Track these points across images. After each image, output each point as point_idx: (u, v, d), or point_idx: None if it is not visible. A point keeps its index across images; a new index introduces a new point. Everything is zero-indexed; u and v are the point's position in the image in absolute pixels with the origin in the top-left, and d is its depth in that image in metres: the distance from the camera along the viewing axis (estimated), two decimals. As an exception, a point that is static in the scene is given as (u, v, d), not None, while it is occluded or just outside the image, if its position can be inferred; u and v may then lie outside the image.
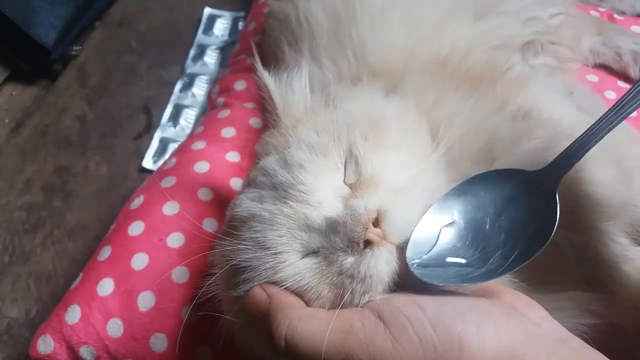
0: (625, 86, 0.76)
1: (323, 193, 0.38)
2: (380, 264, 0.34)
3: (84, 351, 0.56)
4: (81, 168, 0.94)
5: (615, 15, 0.87)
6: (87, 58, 1.12)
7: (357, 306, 0.34)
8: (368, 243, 0.35)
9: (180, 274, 0.58)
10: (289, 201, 0.38)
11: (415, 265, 0.34)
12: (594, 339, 0.35)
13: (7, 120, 1.03)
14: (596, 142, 0.34)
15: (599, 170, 0.44)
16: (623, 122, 0.58)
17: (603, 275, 0.42)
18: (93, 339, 0.56)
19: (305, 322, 0.32)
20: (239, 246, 0.38)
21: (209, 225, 0.61)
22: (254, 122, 0.78)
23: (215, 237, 0.44)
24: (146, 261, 0.59)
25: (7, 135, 1.00)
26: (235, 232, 0.40)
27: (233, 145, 0.73)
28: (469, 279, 0.33)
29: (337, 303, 0.35)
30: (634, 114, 0.70)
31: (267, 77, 0.48)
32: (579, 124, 0.50)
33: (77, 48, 1.14)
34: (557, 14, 0.70)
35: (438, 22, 0.60)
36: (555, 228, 0.32)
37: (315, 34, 0.64)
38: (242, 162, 0.72)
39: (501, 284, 0.38)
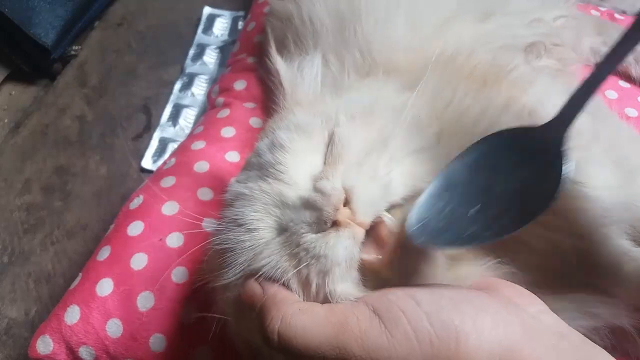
0: (627, 86, 0.76)
1: (299, 173, 0.38)
2: (338, 248, 0.34)
3: (83, 351, 0.56)
4: (81, 168, 0.94)
5: (616, 15, 0.87)
6: (87, 58, 1.12)
7: (316, 285, 0.34)
8: (335, 224, 0.34)
9: (179, 274, 0.58)
10: (268, 178, 0.38)
11: (413, 230, 0.33)
12: (594, 341, 0.35)
13: (6, 120, 1.03)
14: (597, 87, 0.33)
15: (601, 172, 0.44)
16: (624, 122, 0.58)
17: (604, 277, 0.41)
18: (92, 339, 0.55)
19: (298, 317, 0.32)
20: (219, 227, 0.39)
21: (209, 225, 0.61)
22: (254, 121, 0.77)
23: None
24: (145, 261, 0.59)
25: (7, 135, 1.00)
26: (219, 216, 0.40)
27: (233, 145, 0.73)
28: (471, 242, 0.32)
29: (296, 275, 0.35)
30: (635, 113, 0.70)
31: (279, 62, 0.48)
32: (582, 124, 0.50)
33: (77, 48, 1.14)
34: (560, 17, 0.70)
35: (442, 22, 0.60)
36: (559, 187, 0.31)
37: (319, 33, 0.64)
38: (242, 162, 0.71)
39: (501, 278, 0.38)
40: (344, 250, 0.34)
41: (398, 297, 0.31)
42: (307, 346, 0.30)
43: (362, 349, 0.29)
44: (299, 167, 0.39)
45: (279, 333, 0.31)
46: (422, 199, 0.35)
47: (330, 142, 0.40)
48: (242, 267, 0.37)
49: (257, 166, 0.41)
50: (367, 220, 0.35)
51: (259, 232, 0.37)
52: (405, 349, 0.28)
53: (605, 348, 0.40)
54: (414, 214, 0.34)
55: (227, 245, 0.38)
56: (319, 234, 0.35)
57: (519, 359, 0.28)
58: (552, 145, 0.33)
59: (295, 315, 0.32)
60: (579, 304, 0.40)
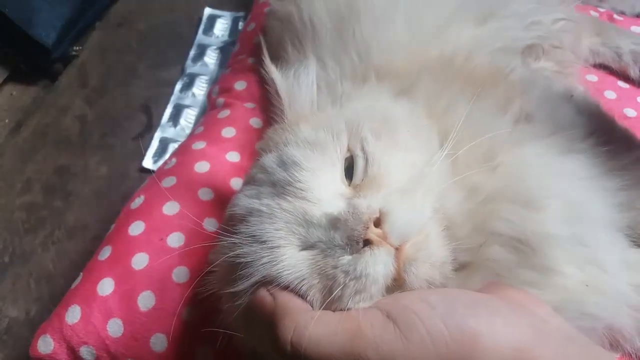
0: (625, 86, 0.76)
1: (322, 190, 0.38)
2: (378, 265, 0.34)
3: (84, 351, 0.56)
4: (81, 168, 0.94)
5: (615, 16, 0.87)
6: (87, 58, 1.12)
7: (346, 304, 0.34)
8: (367, 242, 0.34)
9: (180, 273, 0.58)
10: (287, 197, 0.38)
11: None
12: (593, 341, 0.35)
13: (7, 120, 1.03)
14: None
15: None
16: (623, 125, 0.58)
17: (601, 277, 0.42)
18: (93, 339, 0.56)
19: (311, 327, 0.31)
20: (236, 242, 0.38)
21: (209, 225, 0.61)
22: (254, 122, 0.78)
23: (216, 236, 0.44)
24: (146, 261, 0.59)
25: (7, 135, 1.00)
26: (233, 230, 0.39)
27: (233, 145, 0.73)
28: None
29: (326, 295, 0.35)
30: (633, 113, 0.71)
31: (274, 72, 0.48)
32: (579, 127, 0.50)
33: (77, 48, 1.14)
34: (559, 19, 0.70)
35: (441, 24, 0.60)
36: None
37: (318, 34, 0.64)
38: (242, 162, 0.72)
39: (504, 279, 0.38)
40: (383, 267, 0.34)
41: (411, 301, 0.31)
42: (321, 356, 0.30)
43: (377, 354, 0.29)
44: (320, 184, 0.38)
45: (292, 343, 0.31)
46: None
47: (359, 156, 0.40)
48: (258, 279, 0.37)
49: (269, 183, 0.40)
50: (397, 243, 0.35)
51: (281, 249, 0.37)
52: (420, 352, 0.28)
53: (603, 347, 0.41)
54: None
55: (243, 259, 0.37)
56: (355, 255, 0.35)
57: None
58: None
59: (308, 324, 0.31)
60: (577, 305, 0.40)
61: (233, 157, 0.72)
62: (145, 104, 1.03)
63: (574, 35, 0.74)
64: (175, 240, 0.61)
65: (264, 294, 0.35)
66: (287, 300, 0.34)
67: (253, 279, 0.37)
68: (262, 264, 0.37)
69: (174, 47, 1.12)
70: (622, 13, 0.89)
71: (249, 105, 0.80)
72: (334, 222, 0.36)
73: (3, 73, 1.06)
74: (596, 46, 0.78)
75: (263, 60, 0.48)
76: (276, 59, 0.70)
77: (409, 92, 0.50)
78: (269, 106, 0.49)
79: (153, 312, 0.56)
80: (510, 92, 0.50)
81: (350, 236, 0.34)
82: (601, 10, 0.88)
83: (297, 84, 0.48)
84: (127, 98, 1.04)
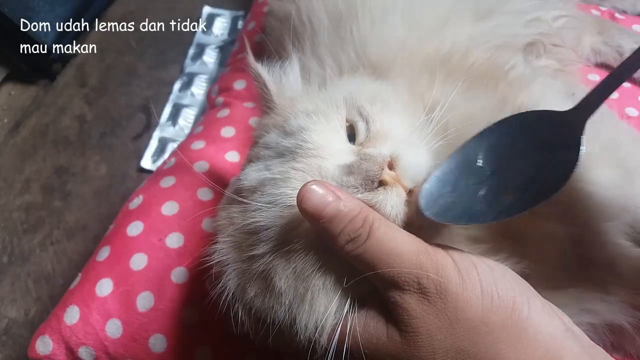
0: (627, 85, 0.76)
1: (332, 147, 0.39)
2: (386, 207, 0.35)
3: (82, 352, 0.56)
4: (80, 168, 0.94)
5: (617, 14, 0.87)
6: (87, 58, 1.12)
7: None
8: (381, 184, 0.35)
9: (179, 274, 0.58)
10: (299, 158, 0.38)
11: (423, 202, 0.34)
12: (593, 339, 0.35)
13: (6, 120, 1.03)
14: (622, 81, 0.35)
15: (601, 171, 0.44)
16: (624, 123, 0.58)
17: (602, 274, 0.41)
18: (92, 340, 0.55)
19: (391, 225, 0.34)
20: (252, 207, 0.38)
21: (209, 225, 0.61)
22: (254, 121, 0.77)
23: (218, 207, 0.43)
24: (145, 261, 0.59)
25: (6, 135, 1.00)
26: (245, 200, 0.39)
27: (232, 144, 0.73)
28: (479, 219, 0.34)
29: None
30: (635, 113, 0.70)
31: (259, 66, 0.48)
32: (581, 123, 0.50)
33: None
34: (559, 16, 0.70)
35: (439, 21, 0.60)
36: (574, 171, 0.33)
37: (316, 32, 0.64)
38: (241, 161, 0.71)
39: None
40: (390, 208, 0.35)
41: (472, 257, 0.34)
42: (395, 252, 0.32)
43: (437, 275, 0.32)
44: (329, 142, 0.39)
45: (372, 231, 0.32)
46: (436, 174, 0.36)
47: (358, 121, 0.41)
48: (280, 241, 0.37)
49: (276, 155, 0.40)
50: (410, 185, 0.36)
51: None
52: (471, 295, 0.32)
53: (604, 346, 0.40)
54: (427, 188, 0.35)
55: (262, 224, 0.37)
56: (366, 193, 0.35)
57: (560, 349, 0.31)
58: (573, 130, 0.34)
59: (387, 223, 0.33)
60: (577, 301, 0.40)
61: (232, 156, 0.72)
62: (144, 104, 1.03)
63: (575, 33, 0.74)
64: (174, 240, 0.61)
65: (318, 186, 0.33)
66: (359, 202, 0.34)
67: (275, 241, 0.37)
68: (282, 225, 0.36)
69: (173, 46, 1.12)
70: (623, 12, 0.88)
71: (249, 104, 0.80)
72: (349, 170, 0.36)
73: (2, 72, 1.06)
74: (597, 45, 0.78)
75: (247, 58, 0.48)
76: (277, 58, 0.70)
77: (387, 77, 0.51)
78: (260, 101, 0.50)
79: (152, 313, 0.56)
80: (509, 88, 0.50)
81: (366, 177, 0.35)
82: (602, 9, 0.88)
83: (284, 75, 0.49)
84: (127, 98, 1.04)
